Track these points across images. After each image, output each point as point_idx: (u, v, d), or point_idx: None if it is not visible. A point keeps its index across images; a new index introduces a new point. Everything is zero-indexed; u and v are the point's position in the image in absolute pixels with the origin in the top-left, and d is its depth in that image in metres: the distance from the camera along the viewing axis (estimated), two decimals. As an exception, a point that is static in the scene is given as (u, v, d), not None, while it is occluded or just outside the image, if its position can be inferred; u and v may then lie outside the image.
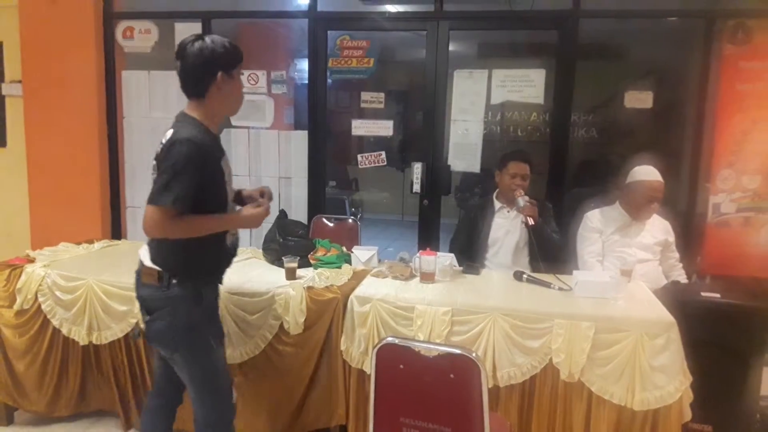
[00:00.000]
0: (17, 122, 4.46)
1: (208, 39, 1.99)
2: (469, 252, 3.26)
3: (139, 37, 4.37)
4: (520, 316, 2.36)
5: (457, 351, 1.68)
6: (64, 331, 2.73)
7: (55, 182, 4.38)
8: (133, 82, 4.41)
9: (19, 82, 4.41)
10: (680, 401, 2.25)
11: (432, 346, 1.73)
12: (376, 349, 1.75)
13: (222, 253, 2.16)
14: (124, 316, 2.62)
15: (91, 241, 3.34)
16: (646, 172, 3.18)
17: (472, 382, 1.66)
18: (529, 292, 2.61)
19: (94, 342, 2.69)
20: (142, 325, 2.17)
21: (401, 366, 1.73)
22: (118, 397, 2.78)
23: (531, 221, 3.00)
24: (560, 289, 2.61)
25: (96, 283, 2.66)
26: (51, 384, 2.83)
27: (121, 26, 4.36)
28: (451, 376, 1.68)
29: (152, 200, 1.87)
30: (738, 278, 3.71)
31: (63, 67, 4.29)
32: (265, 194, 2.23)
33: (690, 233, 3.76)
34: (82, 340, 2.69)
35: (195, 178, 1.88)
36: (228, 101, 2.06)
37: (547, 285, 2.64)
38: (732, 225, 3.71)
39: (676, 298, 2.67)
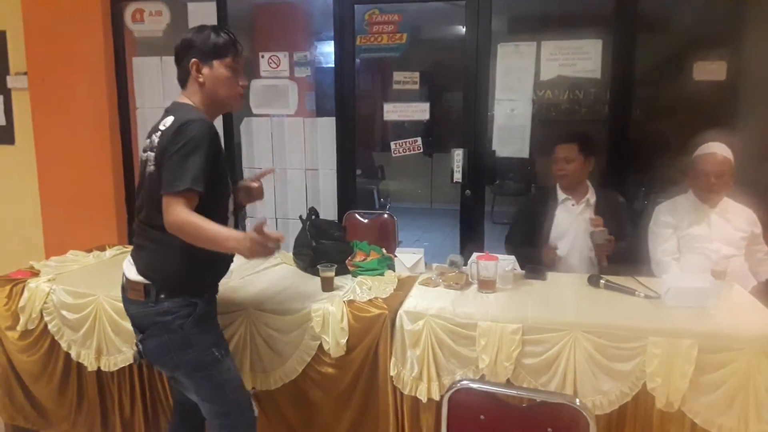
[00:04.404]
0: (25, 117, 4.14)
1: (199, 28, 1.91)
2: (526, 250, 2.87)
3: (149, 20, 4.01)
4: (605, 333, 1.96)
5: (557, 400, 1.31)
6: (73, 354, 2.41)
7: (66, 181, 4.08)
8: (144, 70, 4.05)
9: (25, 74, 4.10)
10: (809, 435, 1.86)
11: (522, 393, 1.36)
12: (447, 395, 1.39)
13: (222, 262, 1.97)
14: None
15: (102, 248, 3.02)
16: (709, 146, 2.79)
17: (577, 439, 1.28)
18: (611, 302, 2.20)
19: (102, 368, 2.37)
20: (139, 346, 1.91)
21: (482, 417, 1.36)
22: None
23: (604, 262, 2.65)
24: (647, 296, 2.21)
25: (106, 299, 2.33)
26: (72, 402, 2.54)
27: (130, 9, 4.00)
28: (549, 430, 1.30)
29: (169, 188, 1.66)
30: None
31: (70, 56, 3.96)
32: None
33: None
34: (91, 365, 2.37)
35: (210, 158, 1.73)
36: (209, 90, 1.88)
37: (632, 292, 2.24)
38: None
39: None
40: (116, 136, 4.08)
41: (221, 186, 1.86)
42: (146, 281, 1.83)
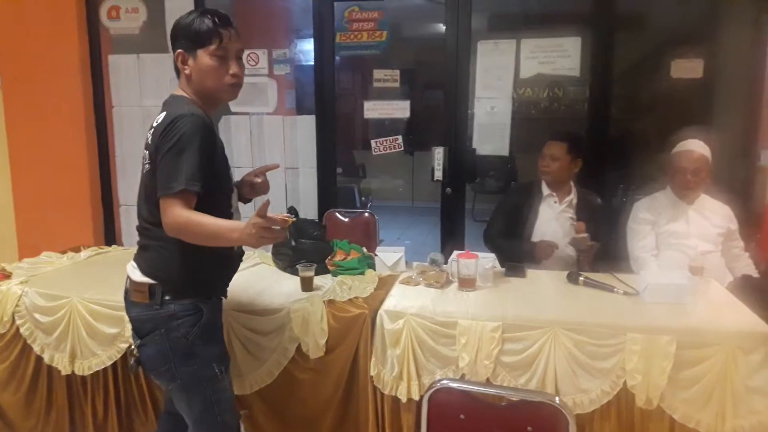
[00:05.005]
0: (-2, 116, 4.06)
1: (190, 12, 1.79)
2: (507, 243, 2.88)
3: (126, 16, 3.93)
4: (585, 331, 1.96)
5: (537, 398, 1.30)
6: (46, 358, 2.35)
7: (40, 181, 3.99)
8: (121, 68, 3.98)
9: (-3, 72, 4.01)
10: (784, 429, 1.88)
11: (502, 392, 1.35)
12: (427, 395, 1.37)
13: (232, 259, 1.90)
14: (112, 341, 2.24)
15: (77, 249, 2.96)
16: (686, 143, 2.82)
17: (557, 438, 1.28)
18: (590, 299, 2.21)
19: (77, 372, 2.30)
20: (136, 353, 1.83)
21: (462, 416, 1.35)
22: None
23: (587, 267, 2.66)
24: (625, 293, 2.21)
25: (80, 301, 2.28)
26: (40, 413, 2.46)
27: (106, 5, 3.92)
28: (529, 429, 1.30)
29: (164, 190, 1.60)
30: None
31: (43, 54, 3.88)
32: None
33: (748, 218, 3.35)
34: (65, 369, 2.31)
35: (205, 154, 1.65)
36: (195, 83, 1.77)
37: (611, 289, 2.25)
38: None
39: (757, 298, 2.28)
40: (92, 135, 4.01)
41: (221, 182, 1.78)
42: (151, 281, 1.74)
